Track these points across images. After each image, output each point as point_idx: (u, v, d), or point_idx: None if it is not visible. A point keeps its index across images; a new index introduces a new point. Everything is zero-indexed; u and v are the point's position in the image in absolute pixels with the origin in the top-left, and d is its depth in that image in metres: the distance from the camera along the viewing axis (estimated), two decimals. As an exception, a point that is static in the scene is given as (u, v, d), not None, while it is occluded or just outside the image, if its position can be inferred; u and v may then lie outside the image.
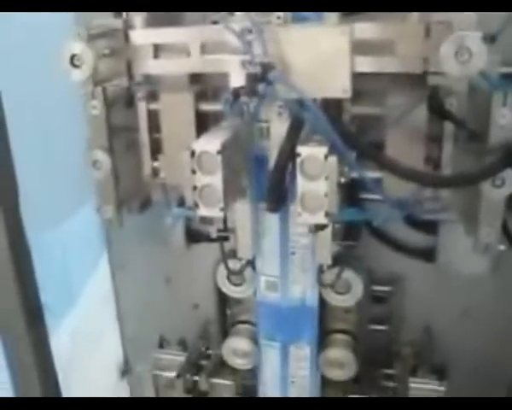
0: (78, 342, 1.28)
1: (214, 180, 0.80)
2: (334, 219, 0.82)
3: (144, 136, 1.03)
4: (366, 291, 1.09)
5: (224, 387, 1.19)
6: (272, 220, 1.00)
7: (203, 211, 0.82)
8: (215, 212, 0.82)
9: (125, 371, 1.47)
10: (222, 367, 1.22)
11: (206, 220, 0.85)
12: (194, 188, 0.81)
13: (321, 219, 0.78)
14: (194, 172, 0.80)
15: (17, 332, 1.06)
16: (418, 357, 1.17)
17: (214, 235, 0.96)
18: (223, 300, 1.23)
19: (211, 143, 0.80)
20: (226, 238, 1.04)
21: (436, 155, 0.92)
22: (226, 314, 1.24)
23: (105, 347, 1.42)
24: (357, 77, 0.83)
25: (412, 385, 1.11)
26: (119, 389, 1.48)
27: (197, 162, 0.80)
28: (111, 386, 1.46)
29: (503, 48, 0.84)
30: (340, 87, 0.80)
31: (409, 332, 1.19)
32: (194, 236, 1.23)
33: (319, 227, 0.81)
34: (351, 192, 0.94)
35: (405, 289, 1.17)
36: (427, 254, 1.12)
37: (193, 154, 0.80)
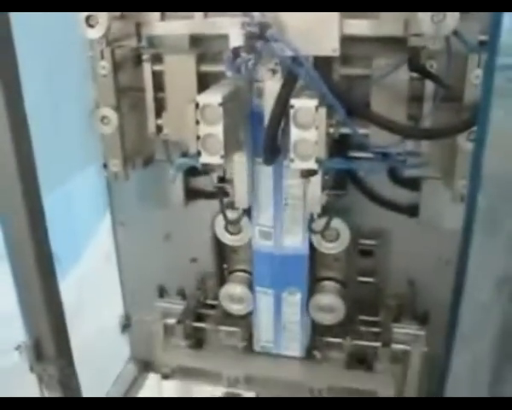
0: (81, 294, 1.39)
1: (216, 130, 0.92)
2: (323, 166, 0.94)
3: (149, 95, 1.13)
4: (353, 243, 1.21)
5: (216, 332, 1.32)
6: (267, 173, 1.11)
7: (205, 158, 0.94)
8: (216, 159, 0.93)
9: (126, 325, 1.58)
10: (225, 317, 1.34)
11: (208, 167, 0.97)
12: (198, 137, 0.93)
13: (311, 164, 0.90)
14: (197, 122, 0.92)
15: (32, 280, 1.17)
16: (402, 307, 1.30)
17: (215, 182, 1.08)
18: (219, 253, 1.34)
19: (213, 97, 0.91)
20: (225, 192, 1.16)
21: (417, 114, 1.04)
22: (223, 267, 1.36)
23: (106, 300, 1.54)
24: (346, 41, 0.94)
25: (395, 330, 1.25)
26: (119, 343, 1.60)
27: (201, 114, 0.91)
28: (112, 339, 1.57)
29: (480, 17, 0.95)
30: (329, 47, 0.91)
31: (393, 284, 1.31)
32: (192, 193, 1.34)
33: (310, 172, 0.93)
34: (339, 148, 1.06)
35: (390, 244, 1.29)
36: (411, 210, 1.24)
37: (197, 106, 0.91)
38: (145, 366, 1.63)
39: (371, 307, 1.30)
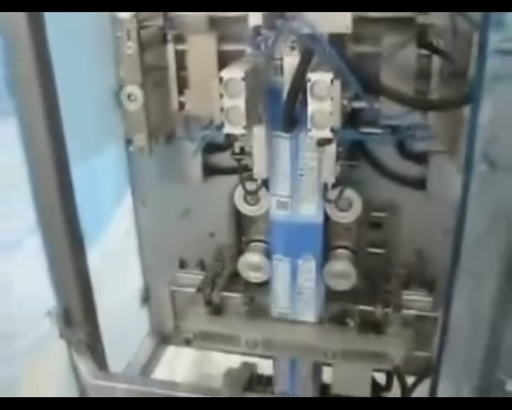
0: (104, 266, 1.48)
1: (238, 102, 1.01)
2: (337, 136, 1.03)
3: (172, 73, 1.23)
4: (364, 215, 1.31)
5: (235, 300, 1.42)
6: (284, 146, 1.20)
7: (229, 129, 1.03)
8: (238, 129, 1.03)
9: (146, 298, 1.69)
10: (234, 282, 1.44)
11: (230, 137, 1.07)
12: (222, 110, 1.02)
13: (327, 133, 1.00)
14: (221, 96, 1.01)
15: (62, 251, 1.26)
16: (411, 275, 1.39)
17: (237, 152, 1.18)
18: (238, 226, 1.44)
19: (236, 72, 1.01)
20: (245, 167, 1.25)
21: (425, 89, 1.14)
22: (241, 239, 1.45)
23: (128, 274, 1.64)
24: (357, 21, 1.03)
25: (405, 297, 1.34)
26: (139, 316, 1.71)
27: (224, 87, 1.01)
28: (131, 312, 1.68)
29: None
30: (343, 24, 1.00)
31: (402, 254, 1.41)
32: (210, 169, 1.44)
33: (325, 141, 1.02)
34: (351, 123, 1.16)
35: (399, 216, 1.39)
36: (418, 183, 1.34)
37: (221, 80, 1.01)
38: (163, 338, 1.74)
39: (382, 275, 1.39)
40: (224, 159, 1.42)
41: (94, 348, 1.35)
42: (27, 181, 1.18)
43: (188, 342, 1.37)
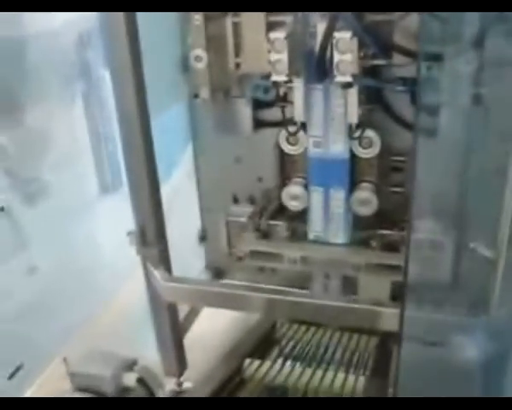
0: (170, 205, 1.89)
1: (282, 56, 1.43)
2: (358, 81, 1.44)
3: (230, 40, 1.64)
4: (385, 155, 1.70)
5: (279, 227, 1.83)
6: (318, 95, 1.61)
7: (275, 77, 1.45)
8: (282, 77, 1.45)
9: (203, 237, 2.11)
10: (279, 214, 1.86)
11: (276, 84, 1.49)
12: (269, 62, 1.45)
13: (348, 78, 1.41)
14: (269, 51, 1.44)
15: (142, 182, 1.66)
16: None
17: (281, 95, 1.60)
18: (281, 171, 1.84)
19: (280, 33, 1.43)
20: (290, 121, 1.67)
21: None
22: (284, 182, 1.83)
23: (188, 214, 2.06)
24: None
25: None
26: (196, 252, 2.13)
27: (272, 45, 1.43)
28: (190, 249, 2.10)
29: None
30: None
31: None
32: (258, 123, 1.82)
33: (348, 84, 1.43)
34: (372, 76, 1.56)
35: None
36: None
37: (269, 40, 1.43)
38: (217, 273, 2.15)
39: (401, 207, 1.77)
40: (270, 113, 1.81)
41: (164, 263, 1.76)
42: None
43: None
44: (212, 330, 2.02)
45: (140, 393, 1.42)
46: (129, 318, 1.94)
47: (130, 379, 1.41)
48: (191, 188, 2.02)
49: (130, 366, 1.42)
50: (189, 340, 1.86)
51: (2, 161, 1.69)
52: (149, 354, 1.77)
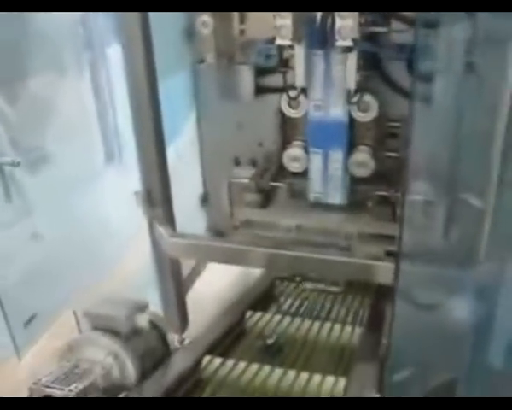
0: (174, 168, 1.98)
1: (287, 22, 1.54)
2: (357, 45, 1.54)
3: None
4: (382, 120, 1.81)
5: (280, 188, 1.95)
6: (318, 61, 1.71)
7: (280, 41, 1.56)
8: (286, 41, 1.55)
9: (205, 199, 2.21)
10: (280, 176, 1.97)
11: (280, 49, 1.60)
12: (275, 27, 1.55)
13: (349, 42, 1.52)
14: (274, 17, 1.54)
15: (149, 145, 1.75)
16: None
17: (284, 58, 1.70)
18: (281, 135, 1.95)
19: (285, 1, 1.53)
20: (291, 86, 1.77)
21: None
22: (284, 146, 1.94)
23: (191, 177, 2.17)
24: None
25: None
26: (198, 215, 2.24)
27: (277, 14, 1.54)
28: (193, 210, 2.21)
29: None
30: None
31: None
32: (260, 89, 1.92)
33: (348, 49, 1.54)
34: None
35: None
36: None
37: (274, 10, 1.54)
38: (218, 234, 2.24)
39: (396, 171, 1.88)
40: (272, 80, 1.91)
41: (169, 221, 1.85)
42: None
43: (236, 228, 1.92)
44: (213, 288, 2.13)
45: (152, 334, 1.53)
46: (132, 284, 2.02)
47: (142, 320, 1.52)
48: (194, 153, 2.11)
49: (143, 308, 1.53)
50: (190, 301, 1.95)
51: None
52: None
